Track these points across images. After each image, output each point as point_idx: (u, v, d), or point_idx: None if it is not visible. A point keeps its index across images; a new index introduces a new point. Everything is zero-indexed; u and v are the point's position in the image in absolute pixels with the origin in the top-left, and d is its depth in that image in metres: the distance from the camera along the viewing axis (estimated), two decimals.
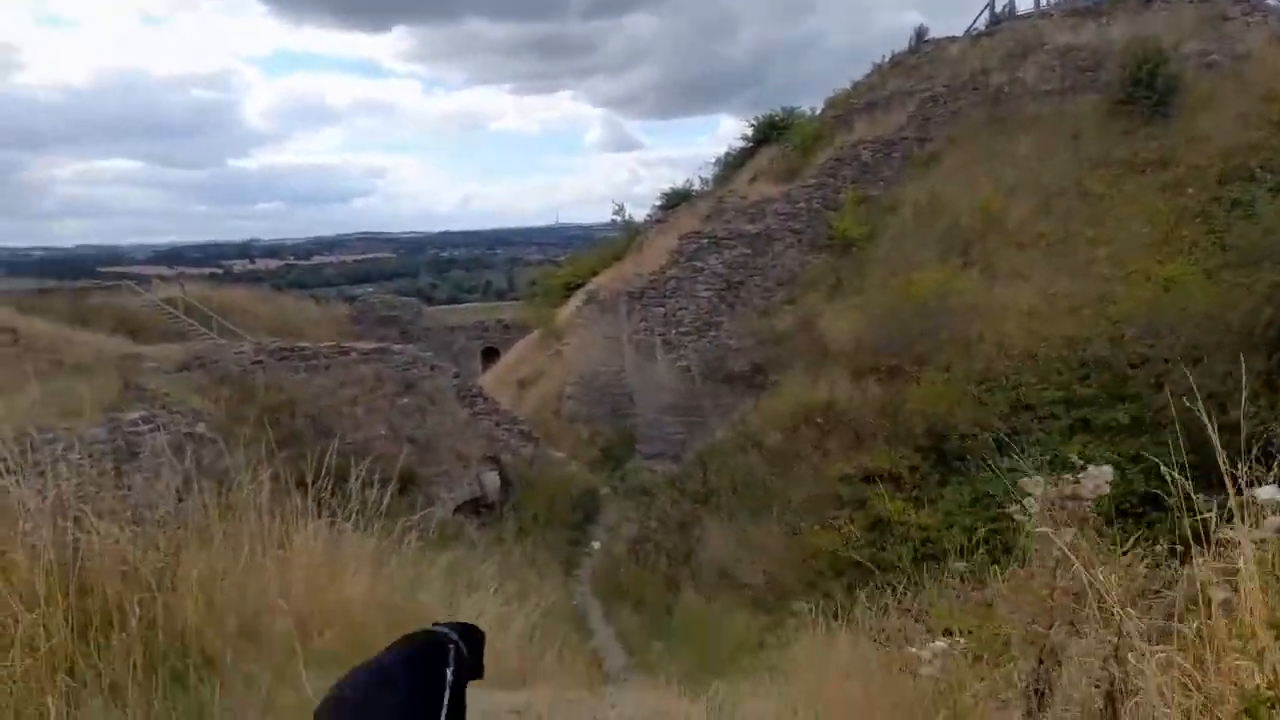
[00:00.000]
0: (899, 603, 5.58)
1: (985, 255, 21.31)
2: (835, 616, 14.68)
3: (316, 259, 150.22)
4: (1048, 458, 16.23)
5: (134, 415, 13.54)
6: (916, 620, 4.27)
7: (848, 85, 30.57)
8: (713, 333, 22.35)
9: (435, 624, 2.56)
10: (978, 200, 22.56)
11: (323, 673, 2.87)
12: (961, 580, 4.41)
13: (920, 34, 31.16)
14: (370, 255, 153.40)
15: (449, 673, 2.28)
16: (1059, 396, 17.01)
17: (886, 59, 30.40)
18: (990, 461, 16.60)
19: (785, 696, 4.71)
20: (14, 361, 15.52)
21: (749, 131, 30.48)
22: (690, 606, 16.78)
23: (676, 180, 53.55)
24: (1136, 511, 14.78)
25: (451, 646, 2.39)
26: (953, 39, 30.63)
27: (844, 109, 27.85)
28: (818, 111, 29.81)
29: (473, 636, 2.58)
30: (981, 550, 15.29)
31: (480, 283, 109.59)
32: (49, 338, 18.42)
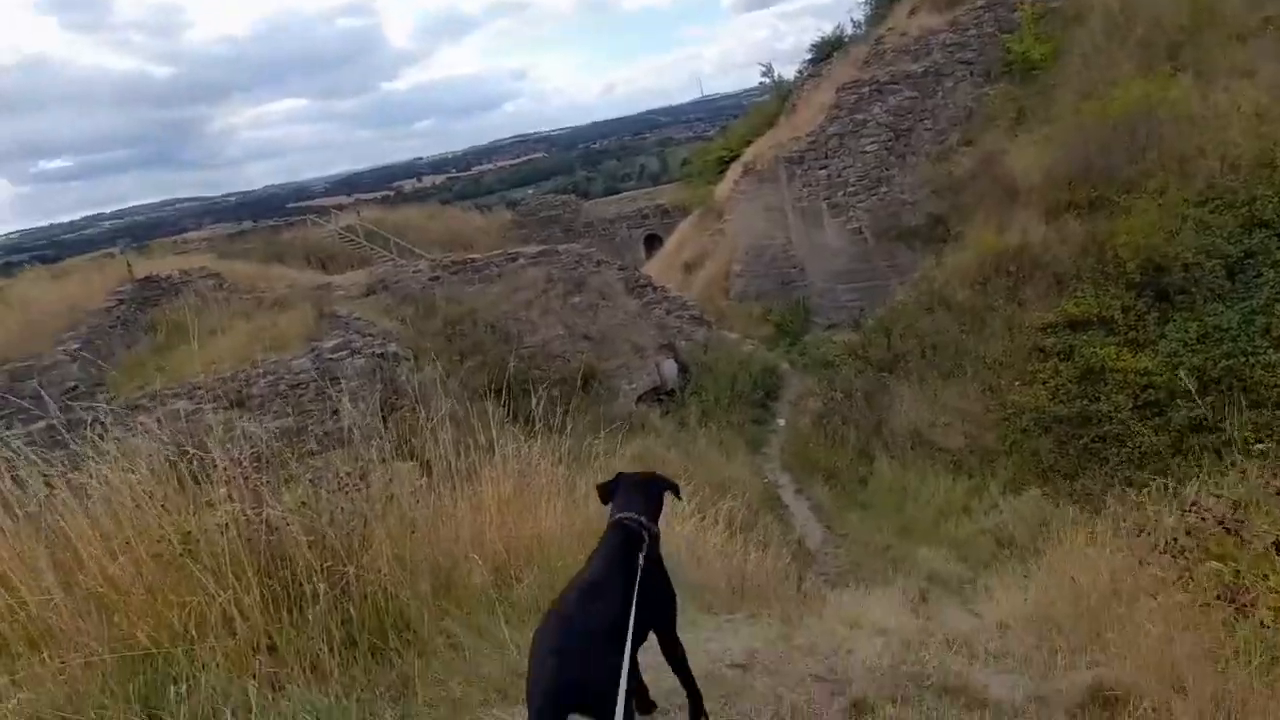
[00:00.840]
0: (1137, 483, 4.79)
1: (1198, 56, 18.25)
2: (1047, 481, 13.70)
3: (476, 169, 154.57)
4: None
5: (331, 343, 14.41)
6: (1188, 511, 3.43)
7: None
8: (883, 188, 20.82)
9: (624, 514, 2.88)
10: None
11: (524, 626, 2.72)
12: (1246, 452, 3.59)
13: None
14: (525, 158, 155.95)
15: (641, 559, 2.64)
16: None
17: None
18: (1220, 291, 14.77)
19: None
20: (222, 304, 16.92)
21: None
22: (885, 474, 16.30)
23: (825, 29, 49.94)
24: None
25: (644, 534, 2.78)
26: None
27: None
28: None
29: (658, 490, 3.07)
30: (1214, 394, 13.63)
31: (634, 169, 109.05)
32: (249, 277, 19.92)
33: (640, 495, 2.91)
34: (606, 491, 2.97)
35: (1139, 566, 3.59)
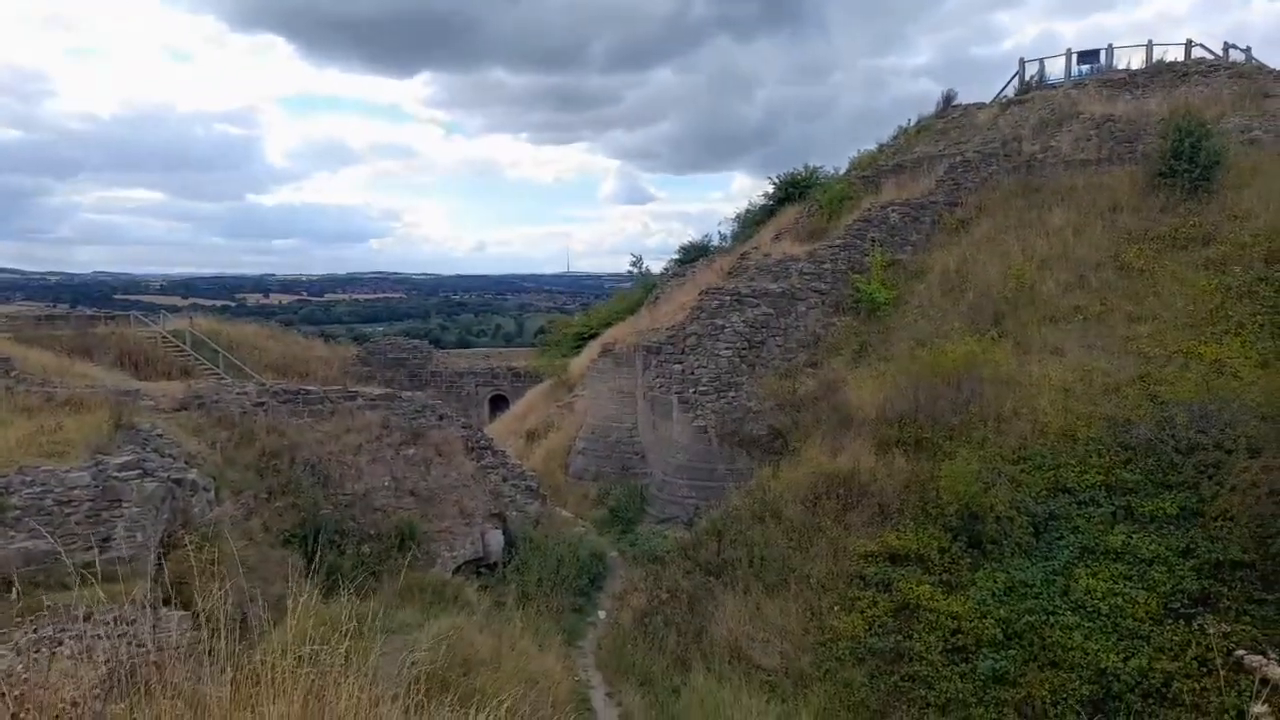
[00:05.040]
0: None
1: (1018, 327, 20.51)
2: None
3: (330, 296, 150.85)
4: (1088, 545, 15.34)
5: (121, 459, 12.71)
6: None
7: (873, 147, 30.31)
8: (731, 393, 21.51)
9: None
10: (1009, 270, 21.87)
11: None
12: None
13: (949, 98, 30.96)
14: (383, 294, 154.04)
15: None
16: (1099, 480, 16.04)
17: (913, 122, 30.17)
18: (1027, 547, 15.74)
19: None
20: (2, 393, 14.82)
21: (770, 189, 30.13)
22: (699, 688, 15.68)
23: (689, 234, 53.34)
24: (1188, 612, 13.88)
25: None
26: (981, 105, 30.36)
27: (871, 170, 27.43)
28: (840, 171, 29.48)
29: None
30: (1017, 648, 14.14)
31: (490, 327, 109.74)
32: (46, 368, 17.75)
33: None
34: None
35: None
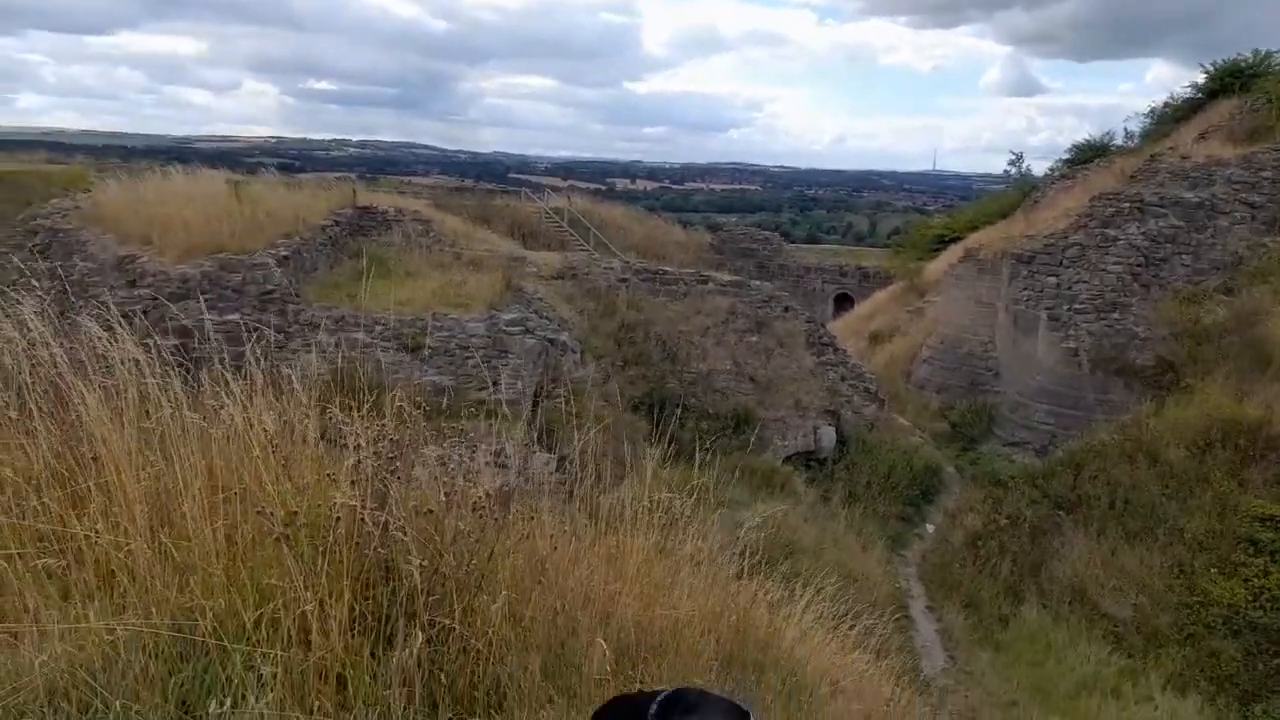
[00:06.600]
0: None
1: None
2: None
3: (689, 184, 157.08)
4: None
5: (510, 315, 14.51)
6: None
7: None
8: (1116, 314, 18.87)
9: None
10: None
11: None
12: None
13: None
14: (738, 186, 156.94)
15: None
16: None
17: None
18: None
19: None
20: (424, 250, 17.54)
21: (1201, 79, 25.06)
22: (1031, 621, 14.70)
23: (1085, 132, 46.96)
24: None
25: None
26: None
27: None
28: None
29: None
30: None
31: (841, 224, 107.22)
32: (455, 232, 20.60)
33: None
34: None
35: None
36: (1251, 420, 15.92)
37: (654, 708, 1.64)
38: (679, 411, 17.81)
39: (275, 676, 1.92)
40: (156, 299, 10.90)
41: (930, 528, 17.67)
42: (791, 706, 3.12)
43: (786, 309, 20.20)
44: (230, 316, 11.60)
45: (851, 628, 5.81)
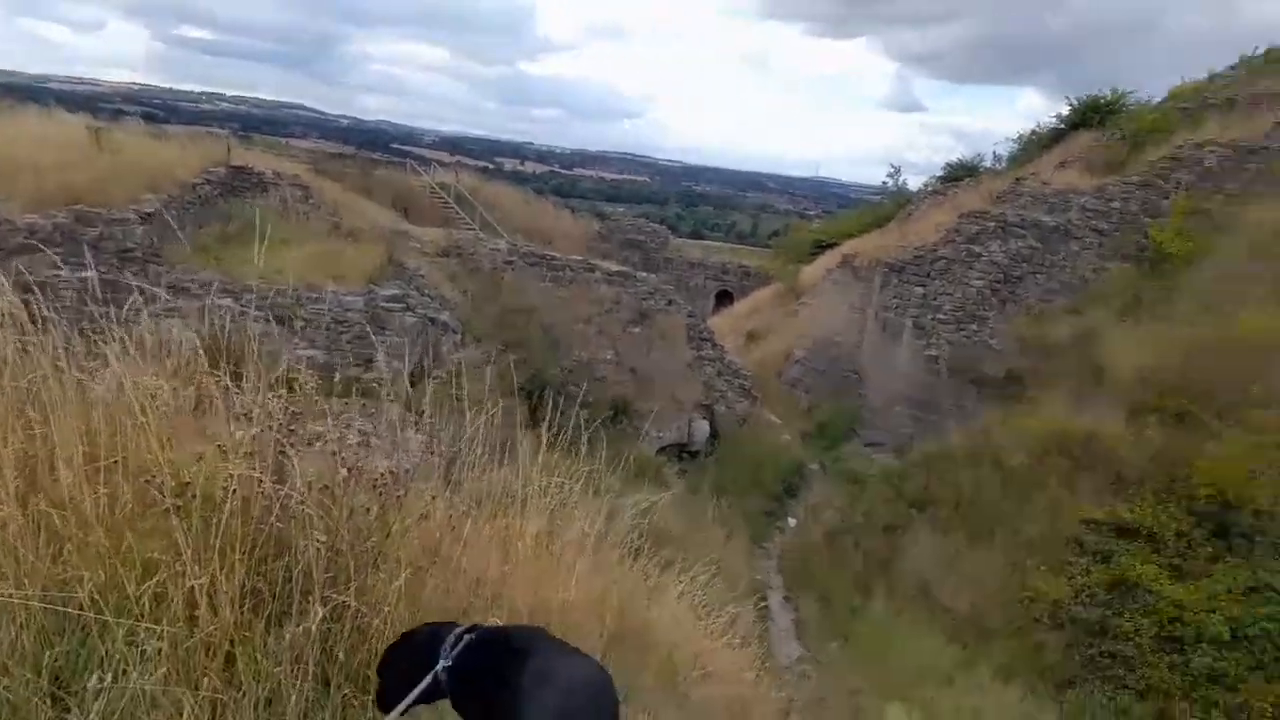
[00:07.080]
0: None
1: None
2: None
3: (578, 170, 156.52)
4: None
5: (389, 291, 14.12)
6: None
7: (1202, 76, 26.08)
8: (974, 326, 20.18)
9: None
10: None
11: None
12: None
13: None
14: (627, 176, 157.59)
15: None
16: None
17: (1260, 50, 25.56)
18: None
19: None
20: (301, 217, 16.79)
21: (1065, 110, 26.98)
22: (878, 614, 15.57)
23: (959, 151, 49.43)
24: None
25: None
26: None
27: (1194, 102, 23.76)
28: (1154, 102, 25.80)
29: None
30: (1243, 651, 12.79)
31: (725, 223, 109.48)
32: (334, 201, 19.81)
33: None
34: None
35: None
36: (1082, 432, 17.30)
37: (450, 639, 1.78)
38: (559, 399, 17.91)
39: (160, 652, 1.86)
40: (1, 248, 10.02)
41: (792, 522, 18.40)
42: (668, 688, 3.26)
43: (670, 302, 20.51)
44: (85, 274, 10.77)
45: (718, 616, 6.04)
